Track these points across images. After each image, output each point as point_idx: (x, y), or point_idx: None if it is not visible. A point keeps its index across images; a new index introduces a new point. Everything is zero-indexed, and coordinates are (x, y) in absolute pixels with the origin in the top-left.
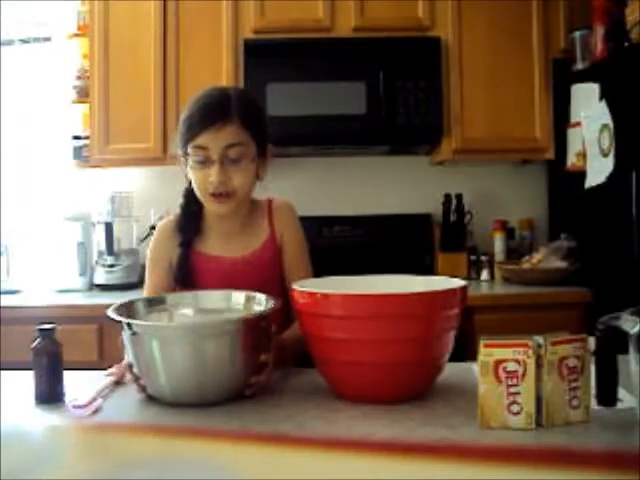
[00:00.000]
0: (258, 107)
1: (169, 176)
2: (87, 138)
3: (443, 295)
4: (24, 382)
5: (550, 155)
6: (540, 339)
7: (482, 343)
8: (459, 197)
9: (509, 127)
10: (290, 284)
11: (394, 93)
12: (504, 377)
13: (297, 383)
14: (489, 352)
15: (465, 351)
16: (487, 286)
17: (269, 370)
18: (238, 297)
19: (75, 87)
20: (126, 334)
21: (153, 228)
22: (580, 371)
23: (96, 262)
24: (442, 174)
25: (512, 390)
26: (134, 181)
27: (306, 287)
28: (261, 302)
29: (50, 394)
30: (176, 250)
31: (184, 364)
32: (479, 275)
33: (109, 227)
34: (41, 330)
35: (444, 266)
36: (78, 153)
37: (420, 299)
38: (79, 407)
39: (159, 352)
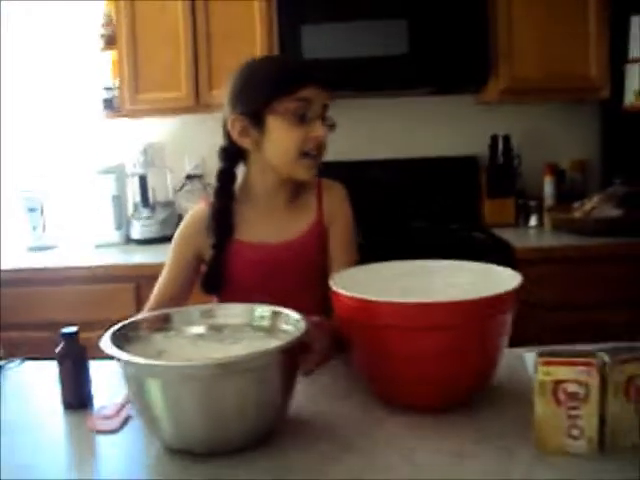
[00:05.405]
0: None
1: (202, 124)
2: (117, 88)
3: (495, 301)
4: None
5: (605, 94)
6: (605, 356)
7: (540, 361)
8: (507, 138)
9: (560, 64)
10: (333, 270)
11: (437, 30)
12: (564, 399)
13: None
14: (548, 371)
15: None
16: (535, 234)
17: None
18: (263, 311)
19: (102, 35)
20: (122, 370)
21: (189, 178)
22: None
23: (132, 215)
24: (489, 114)
25: (573, 413)
26: (166, 130)
27: (344, 282)
28: (290, 320)
29: (77, 401)
30: (207, 245)
31: (193, 411)
32: (527, 222)
33: (143, 179)
34: (64, 334)
35: (490, 212)
36: (109, 104)
37: (469, 308)
38: (107, 418)
39: (162, 397)
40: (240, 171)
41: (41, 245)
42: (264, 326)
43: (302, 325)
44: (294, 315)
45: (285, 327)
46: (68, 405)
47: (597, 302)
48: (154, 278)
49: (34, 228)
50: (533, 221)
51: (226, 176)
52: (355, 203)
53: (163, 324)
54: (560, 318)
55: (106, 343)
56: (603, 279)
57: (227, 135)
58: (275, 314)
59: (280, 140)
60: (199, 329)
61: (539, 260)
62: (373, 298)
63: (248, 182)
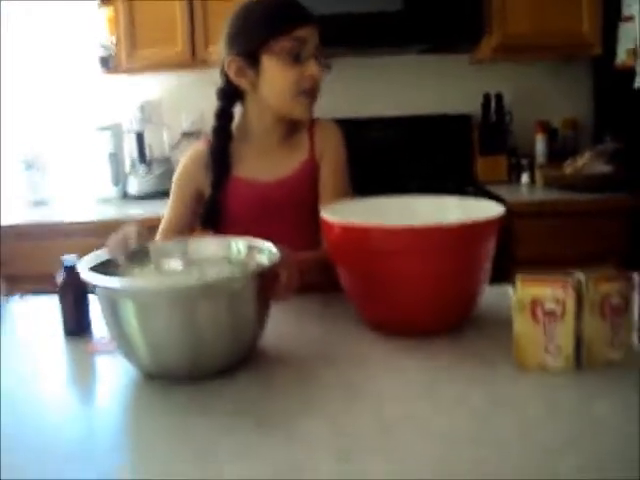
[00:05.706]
0: None
1: (199, 81)
2: (114, 45)
3: (480, 227)
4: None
5: (597, 51)
6: (581, 276)
7: (519, 280)
8: (499, 97)
9: (553, 21)
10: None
11: None
12: (542, 317)
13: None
14: (526, 290)
15: (504, 261)
16: (527, 191)
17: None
18: (239, 245)
19: None
20: (99, 298)
21: (185, 135)
22: (623, 310)
23: (129, 171)
24: (481, 73)
25: (550, 330)
26: (163, 87)
27: (335, 213)
28: (264, 251)
29: (78, 328)
30: (206, 182)
31: (170, 335)
32: (519, 179)
33: (140, 136)
34: (65, 266)
35: (483, 169)
36: (105, 61)
37: (455, 232)
38: (105, 342)
39: (138, 320)
40: (238, 110)
41: (40, 201)
42: (240, 259)
43: (275, 255)
44: (268, 246)
45: (259, 258)
46: (69, 332)
47: (587, 255)
48: (151, 231)
49: (33, 185)
50: (525, 178)
51: (224, 116)
52: (349, 160)
53: (140, 258)
54: (551, 271)
55: (83, 270)
56: (593, 233)
57: (224, 76)
58: (250, 248)
59: (276, 80)
60: (176, 263)
61: (531, 215)
62: (363, 223)
63: (245, 121)
